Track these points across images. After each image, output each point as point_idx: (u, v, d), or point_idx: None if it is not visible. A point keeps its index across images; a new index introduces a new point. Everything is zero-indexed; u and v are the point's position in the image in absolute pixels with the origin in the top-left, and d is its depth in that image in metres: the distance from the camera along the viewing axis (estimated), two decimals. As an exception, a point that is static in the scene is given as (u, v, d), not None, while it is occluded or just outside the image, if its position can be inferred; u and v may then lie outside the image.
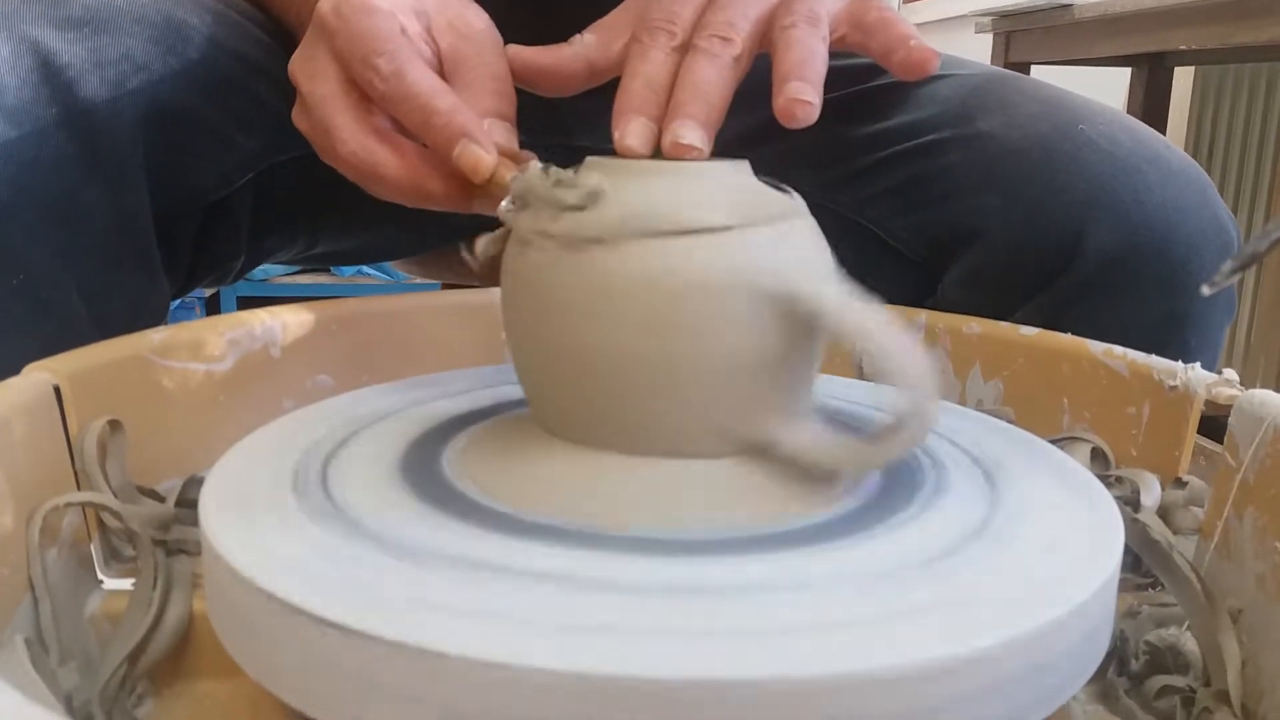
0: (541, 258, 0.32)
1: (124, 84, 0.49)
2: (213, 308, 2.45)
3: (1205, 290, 0.28)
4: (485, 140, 0.38)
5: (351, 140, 0.41)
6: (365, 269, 2.75)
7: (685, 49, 0.38)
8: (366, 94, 0.41)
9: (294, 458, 0.34)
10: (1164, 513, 0.40)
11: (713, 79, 0.37)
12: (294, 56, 0.44)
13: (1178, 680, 0.34)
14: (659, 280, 0.30)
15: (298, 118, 0.44)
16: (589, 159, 0.35)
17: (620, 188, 0.33)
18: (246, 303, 2.34)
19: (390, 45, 0.40)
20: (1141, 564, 0.38)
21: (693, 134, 0.35)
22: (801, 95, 0.36)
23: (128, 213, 0.51)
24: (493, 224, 0.36)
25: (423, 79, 0.39)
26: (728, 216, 0.31)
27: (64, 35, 0.48)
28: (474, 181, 0.39)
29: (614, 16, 0.43)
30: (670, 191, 0.32)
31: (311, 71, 0.42)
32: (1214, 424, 0.40)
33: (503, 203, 0.35)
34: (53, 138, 0.47)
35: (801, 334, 0.32)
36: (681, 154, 0.34)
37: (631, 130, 0.36)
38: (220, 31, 0.55)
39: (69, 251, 0.48)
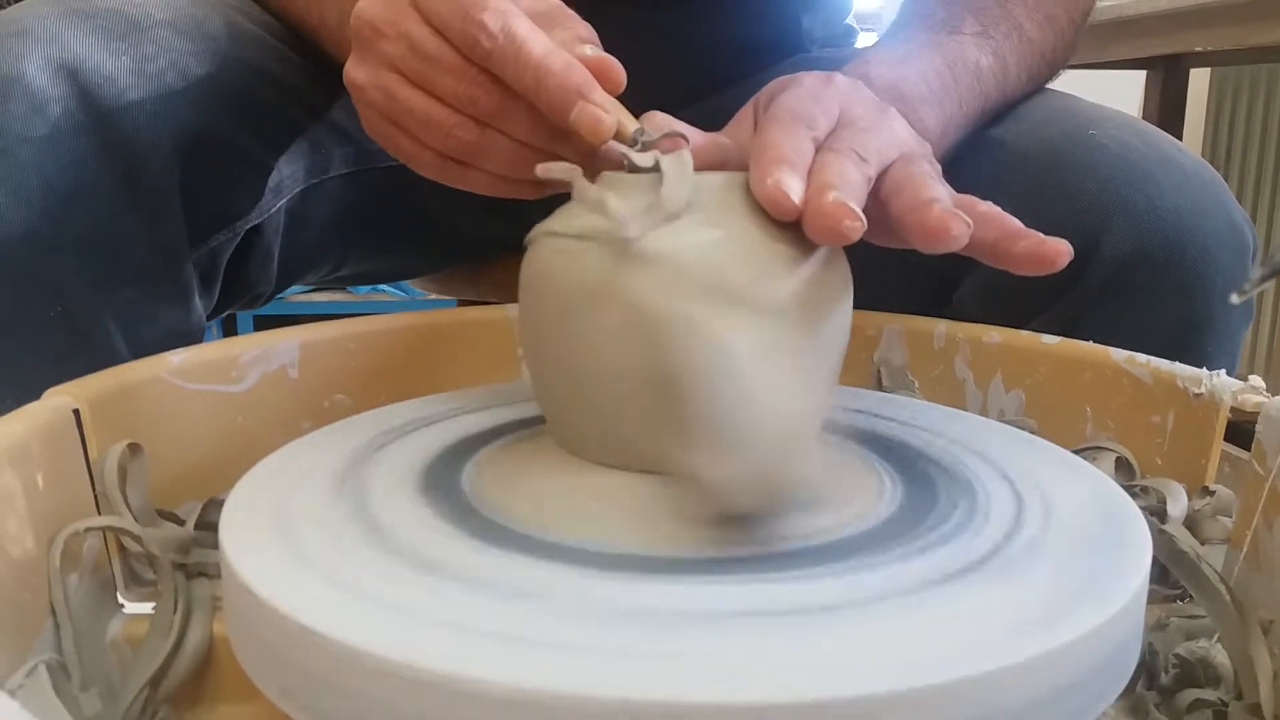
0: (554, 273, 0.32)
1: (167, 98, 0.49)
2: (229, 326, 2.46)
3: (1234, 298, 0.28)
4: (602, 98, 0.37)
5: (465, 124, 0.39)
6: (382, 286, 2.76)
7: (820, 150, 0.35)
8: (466, 55, 0.38)
9: (313, 479, 0.34)
10: (1191, 523, 0.39)
11: (856, 179, 0.33)
12: (351, 60, 0.41)
13: (1209, 694, 0.33)
14: (663, 299, 0.30)
15: (374, 123, 0.42)
16: (604, 174, 0.35)
17: (638, 201, 0.32)
18: (264, 321, 2.35)
19: (494, 1, 0.37)
20: (1170, 575, 0.38)
21: (853, 204, 0.31)
22: (950, 222, 0.32)
23: (164, 242, 0.51)
24: (502, 243, 0.36)
25: (533, 35, 0.37)
26: (738, 232, 0.31)
27: (110, 46, 0.48)
28: (592, 141, 0.37)
29: (742, 116, 0.41)
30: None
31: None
32: (1241, 431, 0.39)
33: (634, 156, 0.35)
34: (91, 167, 0.47)
35: (815, 341, 0.32)
36: (842, 217, 0.31)
37: (788, 181, 0.32)
38: (253, 54, 0.55)
39: (106, 281, 0.49)
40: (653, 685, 0.23)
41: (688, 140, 0.37)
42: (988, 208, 0.34)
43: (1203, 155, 2.19)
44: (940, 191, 0.33)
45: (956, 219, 0.32)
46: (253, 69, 0.54)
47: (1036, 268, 0.33)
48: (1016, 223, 0.34)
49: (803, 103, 0.37)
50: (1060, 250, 0.33)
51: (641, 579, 0.28)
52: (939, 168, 0.38)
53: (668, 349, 0.29)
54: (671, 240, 0.31)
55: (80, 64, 0.47)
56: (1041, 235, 0.33)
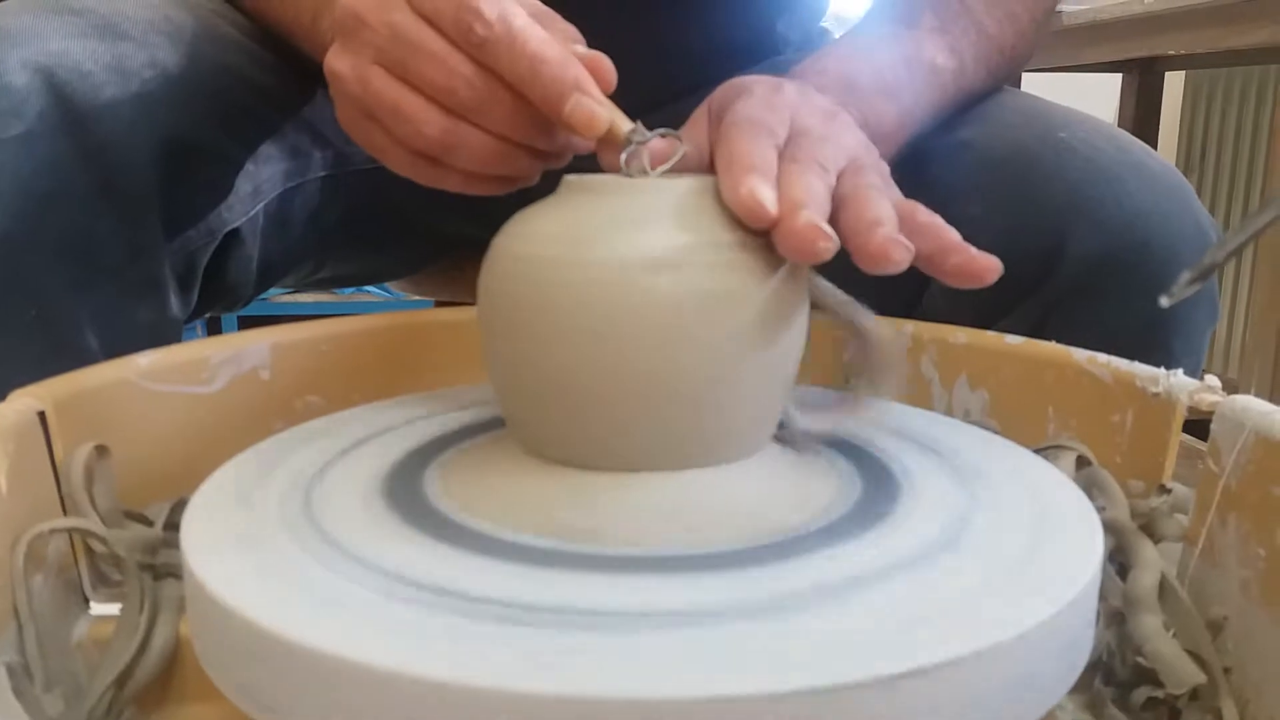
0: (515, 278, 0.32)
1: (144, 100, 0.49)
2: (214, 327, 2.45)
3: (1164, 301, 0.28)
4: (598, 93, 0.36)
5: (435, 120, 0.38)
6: (364, 286, 2.75)
7: (783, 160, 0.35)
8: (459, 43, 0.37)
9: (278, 481, 0.34)
10: (1149, 520, 0.40)
11: (821, 193, 0.34)
12: (333, 50, 0.41)
13: (1162, 691, 0.34)
14: (627, 299, 0.31)
15: (350, 116, 0.41)
16: (566, 178, 0.35)
17: (597, 206, 0.33)
18: (248, 321, 2.34)
19: None
20: (1127, 572, 0.38)
21: (824, 224, 0.32)
22: (891, 249, 0.32)
23: (142, 245, 0.51)
24: (480, 243, 0.36)
25: (530, 25, 0.36)
26: (696, 238, 0.32)
27: (87, 47, 0.48)
28: (585, 136, 0.37)
29: (695, 119, 0.41)
30: (644, 210, 0.32)
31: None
32: (1207, 426, 0.40)
33: (623, 154, 0.35)
34: (68, 169, 0.47)
35: (772, 345, 0.32)
36: (816, 239, 0.31)
37: (762, 190, 0.32)
38: (230, 56, 0.55)
39: (83, 285, 0.49)
40: (617, 682, 0.23)
41: (680, 140, 0.37)
42: (928, 218, 0.35)
43: (1177, 157, 2.21)
44: (884, 210, 0.34)
45: (896, 245, 0.32)
46: (230, 71, 0.54)
47: (966, 281, 0.34)
48: (953, 236, 0.34)
49: (759, 110, 0.37)
50: (989, 266, 0.34)
51: (601, 576, 0.28)
52: (887, 170, 0.38)
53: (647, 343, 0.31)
54: (640, 251, 0.31)
55: (58, 65, 0.47)
56: (974, 251, 0.34)
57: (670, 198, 0.33)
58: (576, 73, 0.36)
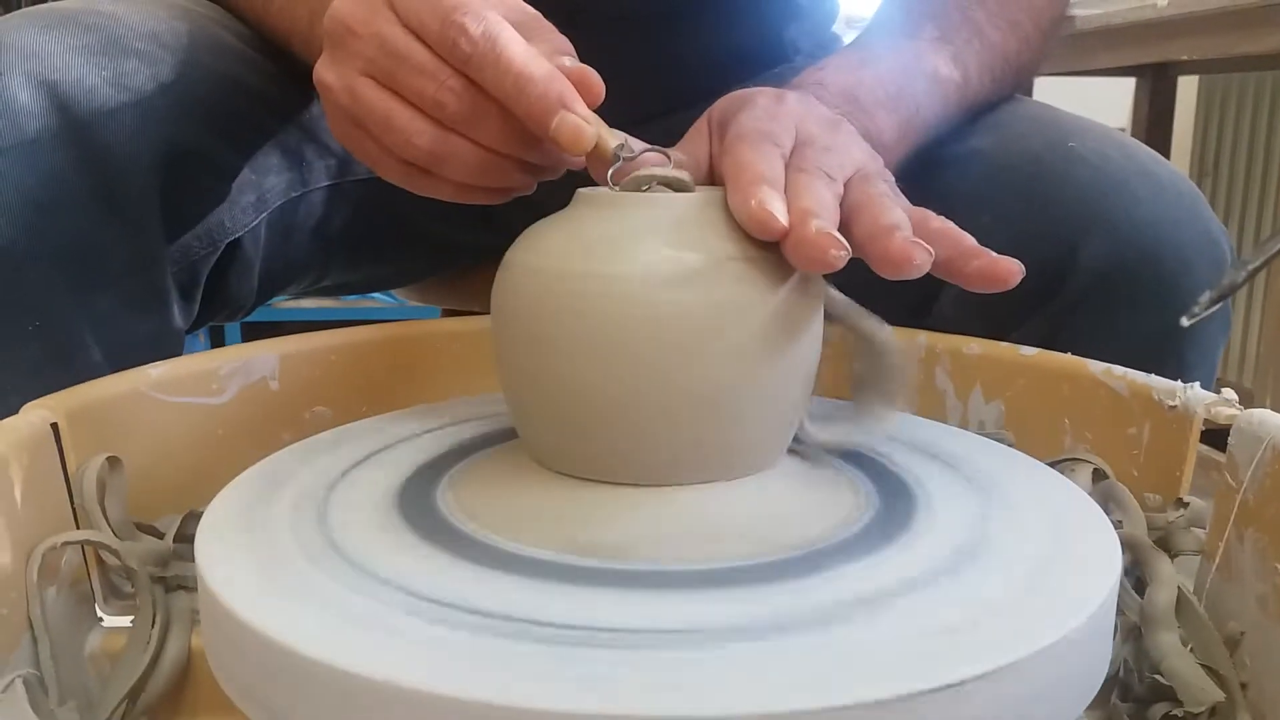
0: (530, 291, 0.32)
1: (147, 111, 0.49)
2: (217, 334, 2.45)
3: (1184, 321, 0.28)
4: (585, 110, 0.36)
5: (425, 131, 0.38)
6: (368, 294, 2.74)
7: (789, 170, 0.35)
8: (445, 58, 0.37)
9: (290, 493, 0.34)
10: (1166, 534, 0.39)
11: (830, 202, 0.33)
12: (322, 60, 0.40)
13: (1180, 710, 0.33)
14: (646, 313, 0.31)
15: (340, 125, 0.41)
16: (580, 191, 0.35)
17: (609, 219, 0.33)
18: (252, 329, 2.34)
19: (475, 4, 0.36)
20: (1145, 587, 0.38)
21: (836, 232, 0.31)
22: (913, 252, 0.32)
23: (143, 254, 0.51)
24: (485, 250, 0.36)
25: (515, 41, 0.36)
26: (711, 250, 0.32)
27: (90, 60, 0.48)
28: (572, 152, 0.37)
29: (695, 132, 0.41)
30: (654, 223, 0.32)
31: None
32: (1224, 435, 0.39)
33: (610, 170, 0.35)
34: (70, 180, 0.47)
35: (786, 357, 0.32)
36: (828, 247, 0.31)
37: (773, 201, 0.32)
38: (233, 67, 0.55)
39: (85, 293, 0.49)
40: (634, 701, 0.23)
41: (669, 157, 0.37)
42: (941, 224, 0.35)
43: (1191, 163, 2.20)
44: (898, 215, 0.33)
45: (917, 247, 0.32)
46: (233, 82, 0.55)
47: (988, 285, 0.33)
48: (970, 240, 0.34)
49: (764, 121, 0.37)
50: (1012, 270, 0.33)
51: (619, 592, 0.28)
52: (892, 179, 0.38)
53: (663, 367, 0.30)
54: (656, 265, 0.31)
55: (60, 78, 0.48)
56: (994, 254, 0.33)
57: (679, 211, 0.33)
58: (561, 89, 0.36)
